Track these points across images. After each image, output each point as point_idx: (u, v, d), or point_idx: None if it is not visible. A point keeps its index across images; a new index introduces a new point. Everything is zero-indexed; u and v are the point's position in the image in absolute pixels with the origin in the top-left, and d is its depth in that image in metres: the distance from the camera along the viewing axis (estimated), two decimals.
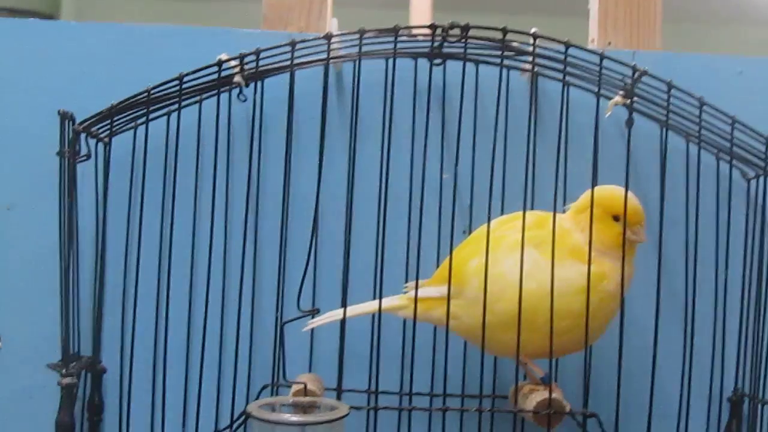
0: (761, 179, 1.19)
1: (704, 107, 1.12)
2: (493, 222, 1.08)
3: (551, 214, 1.07)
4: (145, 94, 1.12)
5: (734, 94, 1.23)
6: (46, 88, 1.21)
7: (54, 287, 1.10)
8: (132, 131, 1.16)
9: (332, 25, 1.14)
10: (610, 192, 1.07)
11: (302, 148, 1.19)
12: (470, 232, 1.18)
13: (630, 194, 1.06)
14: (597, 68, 1.10)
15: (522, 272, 1.04)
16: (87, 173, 1.17)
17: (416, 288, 1.08)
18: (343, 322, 1.09)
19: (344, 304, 1.08)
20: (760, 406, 1.17)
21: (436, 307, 1.09)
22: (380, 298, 1.08)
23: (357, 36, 1.10)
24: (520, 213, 1.07)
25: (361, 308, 1.11)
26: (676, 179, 1.18)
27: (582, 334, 1.04)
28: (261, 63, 1.12)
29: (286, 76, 1.12)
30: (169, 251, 1.15)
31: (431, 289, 1.10)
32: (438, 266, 1.15)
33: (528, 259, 1.05)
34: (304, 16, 1.26)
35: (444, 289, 1.08)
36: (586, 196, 1.08)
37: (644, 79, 1.10)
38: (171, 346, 1.17)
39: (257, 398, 1.15)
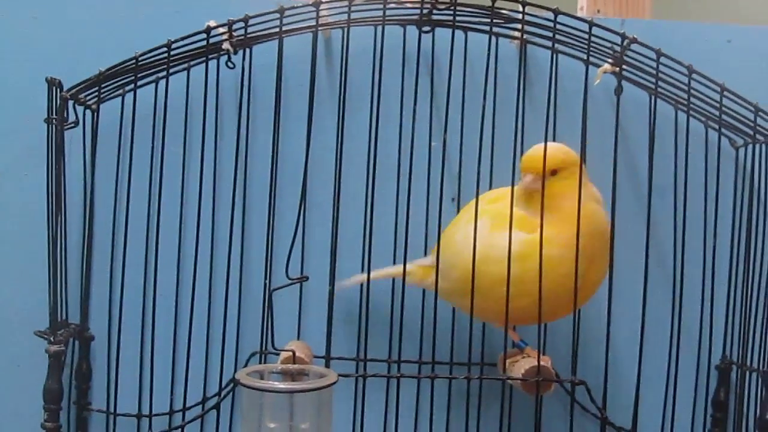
0: (750, 147, 1.20)
1: (693, 75, 1.11)
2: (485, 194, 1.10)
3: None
4: (133, 61, 1.11)
5: (723, 63, 1.24)
6: (34, 55, 1.20)
7: (42, 254, 1.09)
8: (120, 98, 1.16)
9: None
10: (532, 148, 1.08)
11: (291, 116, 1.19)
12: (459, 199, 1.18)
13: (551, 145, 1.05)
14: (586, 36, 1.09)
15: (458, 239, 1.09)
16: (75, 140, 1.17)
17: (404, 259, 1.10)
18: (331, 290, 1.09)
19: (332, 272, 1.08)
20: (747, 374, 1.17)
21: (428, 275, 1.12)
22: (368, 268, 1.09)
23: (346, 3, 1.09)
24: (507, 188, 1.09)
25: (385, 272, 1.15)
26: (665, 147, 1.18)
27: (538, 301, 1.04)
28: (249, 30, 1.12)
29: (275, 43, 1.11)
30: (157, 218, 1.14)
31: (425, 259, 1.14)
32: (426, 235, 1.16)
33: (478, 230, 1.06)
34: None
35: (433, 258, 1.12)
36: None
37: (633, 47, 1.10)
38: (159, 314, 1.16)
39: (246, 365, 1.15)
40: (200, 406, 1.17)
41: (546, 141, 1.05)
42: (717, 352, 1.20)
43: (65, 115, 1.10)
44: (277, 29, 1.10)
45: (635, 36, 1.09)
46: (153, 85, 1.15)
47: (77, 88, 1.10)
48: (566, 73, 1.17)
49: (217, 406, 1.16)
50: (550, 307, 1.05)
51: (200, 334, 1.17)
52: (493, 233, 1.06)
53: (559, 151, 1.06)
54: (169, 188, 1.15)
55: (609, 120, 1.15)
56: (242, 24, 1.11)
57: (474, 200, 1.07)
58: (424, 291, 1.17)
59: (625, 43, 1.10)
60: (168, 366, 1.17)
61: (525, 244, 1.04)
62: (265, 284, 1.11)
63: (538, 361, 1.07)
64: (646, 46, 1.10)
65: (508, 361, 1.11)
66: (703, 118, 1.17)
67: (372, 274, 1.11)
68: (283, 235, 1.15)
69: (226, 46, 1.12)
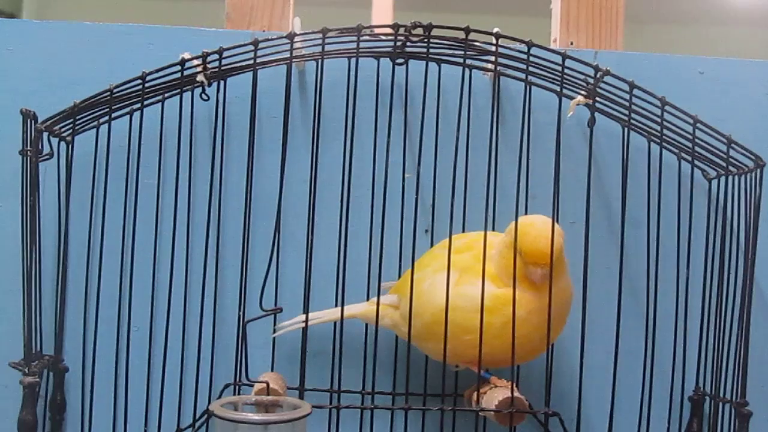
0: (723, 179, 1.20)
1: (666, 107, 1.12)
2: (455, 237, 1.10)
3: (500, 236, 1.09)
4: (108, 93, 1.11)
5: (696, 94, 1.25)
6: (8, 87, 1.21)
7: (16, 286, 1.10)
8: (94, 130, 1.16)
9: (295, 24, 1.14)
10: (528, 225, 1.06)
11: (265, 147, 1.19)
12: (432, 231, 1.19)
13: (556, 230, 1.04)
14: (559, 68, 1.10)
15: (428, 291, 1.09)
16: (49, 172, 1.18)
17: (378, 291, 1.10)
18: (305, 321, 1.09)
19: (306, 304, 1.09)
20: (721, 405, 1.17)
21: (387, 315, 1.13)
22: (342, 299, 1.09)
23: (320, 35, 1.09)
24: (475, 234, 1.11)
25: (326, 315, 1.14)
26: (638, 179, 1.18)
27: (498, 351, 1.06)
28: (224, 62, 1.12)
29: (249, 75, 1.11)
30: (131, 250, 1.14)
31: (385, 297, 1.14)
32: (400, 266, 1.16)
33: (447, 280, 1.06)
34: (267, 15, 1.26)
35: (394, 298, 1.13)
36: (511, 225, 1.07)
37: (606, 78, 1.10)
38: (133, 345, 1.17)
39: (220, 397, 1.15)
40: None
41: (553, 228, 1.04)
42: (690, 383, 1.20)
43: (40, 147, 1.10)
44: (251, 61, 1.11)
45: (608, 68, 1.10)
46: (127, 116, 1.15)
47: (52, 120, 1.11)
48: (539, 104, 1.17)
49: None
50: (503, 357, 1.07)
51: (174, 365, 1.17)
52: (460, 286, 1.07)
53: (560, 236, 1.05)
54: (143, 220, 1.16)
55: (582, 151, 1.15)
56: (216, 56, 1.11)
57: (439, 246, 1.11)
58: None
59: (598, 75, 1.10)
60: (142, 397, 1.17)
61: (494, 298, 1.05)
62: (239, 316, 1.12)
63: (512, 393, 1.07)
64: (620, 78, 1.10)
65: (480, 392, 1.12)
66: (676, 150, 1.18)
67: (312, 317, 1.12)
68: (257, 266, 1.15)
69: (200, 78, 1.12)
